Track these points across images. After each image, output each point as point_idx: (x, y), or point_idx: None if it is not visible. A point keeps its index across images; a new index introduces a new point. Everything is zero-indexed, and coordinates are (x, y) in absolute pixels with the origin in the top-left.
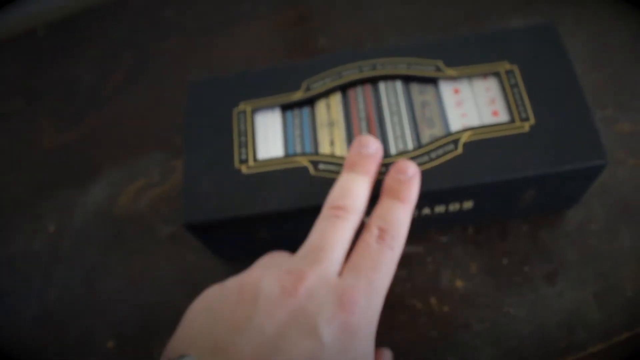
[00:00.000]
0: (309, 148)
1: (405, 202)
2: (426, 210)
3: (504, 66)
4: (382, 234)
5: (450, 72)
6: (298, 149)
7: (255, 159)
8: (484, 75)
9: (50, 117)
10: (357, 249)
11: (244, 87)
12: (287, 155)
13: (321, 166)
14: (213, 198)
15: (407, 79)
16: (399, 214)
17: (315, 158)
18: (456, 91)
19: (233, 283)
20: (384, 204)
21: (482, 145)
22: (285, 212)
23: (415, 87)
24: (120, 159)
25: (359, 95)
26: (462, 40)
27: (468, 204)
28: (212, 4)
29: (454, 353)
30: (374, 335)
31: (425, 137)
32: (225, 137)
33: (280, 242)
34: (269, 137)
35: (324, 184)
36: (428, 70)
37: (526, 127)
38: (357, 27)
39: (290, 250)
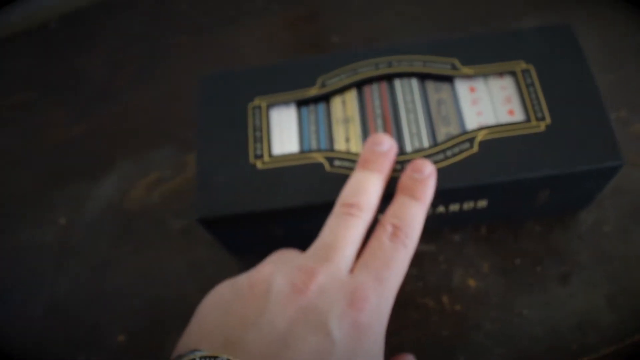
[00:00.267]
0: (324, 144)
1: (420, 201)
2: (440, 209)
3: (520, 65)
4: (396, 231)
5: (466, 70)
6: (313, 145)
7: (270, 155)
8: (500, 74)
9: (62, 110)
10: (369, 246)
11: (258, 82)
12: (302, 151)
13: (336, 162)
14: (227, 193)
15: (423, 77)
16: (414, 212)
17: (330, 154)
18: (472, 89)
19: (244, 279)
20: (398, 201)
21: (498, 144)
22: (300, 208)
23: (431, 85)
24: (132, 153)
25: (375, 92)
26: (478, 39)
27: (482, 203)
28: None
29: (465, 353)
30: (384, 334)
31: (441, 135)
32: (239, 132)
33: (293, 238)
34: (284, 132)
35: (339, 180)
36: (444, 68)
37: (542, 126)
38: (369, 25)
39: (303, 246)
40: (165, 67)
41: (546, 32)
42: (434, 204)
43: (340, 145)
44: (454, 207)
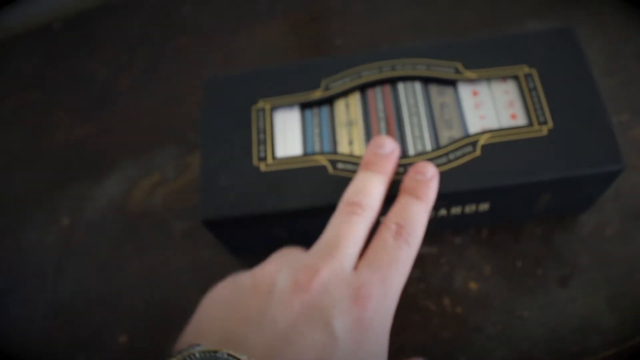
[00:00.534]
0: (327, 147)
1: (423, 201)
2: (442, 212)
3: (523, 69)
4: (400, 229)
5: (469, 74)
6: (317, 148)
7: (274, 157)
8: (503, 78)
9: (65, 111)
10: (373, 245)
11: (262, 84)
12: (305, 153)
13: (340, 165)
14: (231, 195)
15: (426, 80)
16: (417, 212)
17: (333, 157)
18: (475, 93)
19: (247, 278)
20: (401, 201)
21: (501, 148)
22: (303, 211)
23: (434, 89)
24: (135, 154)
25: (378, 95)
26: (481, 43)
27: (484, 206)
28: (229, 1)
29: (466, 355)
30: (388, 332)
31: (444, 138)
32: (243, 134)
33: (296, 240)
34: (287, 135)
35: (343, 183)
36: (447, 72)
37: (544, 130)
38: (373, 28)
39: (306, 248)
40: (168, 69)
41: (549, 36)
42: (436, 206)
43: (343, 148)
44: (456, 210)
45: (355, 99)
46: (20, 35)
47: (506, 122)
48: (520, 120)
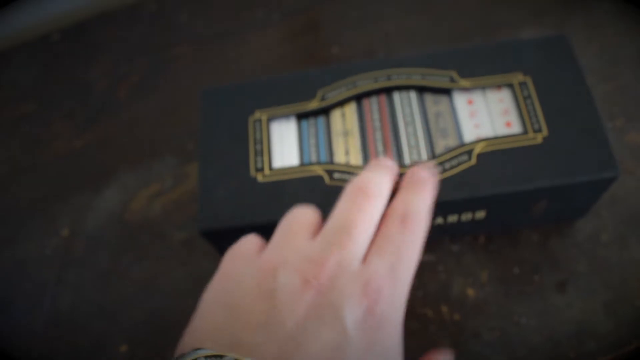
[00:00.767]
0: (324, 157)
1: (425, 194)
2: (439, 220)
3: (517, 77)
4: (406, 217)
5: (464, 82)
6: (313, 158)
7: (270, 168)
8: (498, 86)
9: (64, 122)
10: (380, 235)
11: (259, 95)
12: (302, 164)
13: (336, 175)
14: (228, 205)
15: (422, 90)
16: (421, 201)
17: (330, 167)
18: (470, 102)
19: (249, 274)
20: (403, 193)
21: (496, 156)
22: None
23: (429, 98)
24: (134, 164)
25: (374, 105)
26: (476, 51)
27: (480, 214)
28: (226, 10)
29: None
30: (401, 325)
31: (439, 147)
32: (241, 145)
33: None
34: (284, 145)
35: (339, 193)
36: (442, 81)
37: (539, 138)
38: (368, 36)
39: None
40: (166, 78)
41: (543, 44)
42: (433, 215)
43: (339, 158)
44: (453, 218)
45: (351, 109)
46: (18, 46)
47: (501, 130)
48: (515, 128)
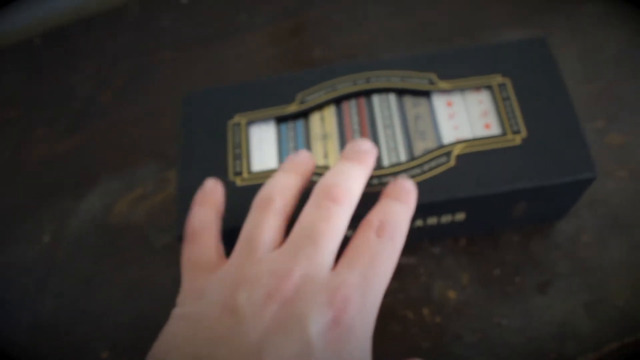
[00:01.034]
0: None
1: (405, 204)
2: (419, 222)
3: (497, 79)
4: (383, 225)
5: (443, 85)
6: None
7: (249, 171)
8: (477, 88)
9: (46, 126)
10: (353, 243)
11: (239, 99)
12: None
13: (314, 178)
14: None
15: (401, 92)
16: (400, 212)
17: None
18: (449, 104)
19: (213, 289)
20: (383, 202)
21: (475, 158)
22: None
23: (408, 100)
24: (117, 169)
25: (353, 108)
26: (455, 53)
27: (460, 216)
28: (209, 14)
29: None
30: (370, 337)
31: (418, 149)
32: (219, 149)
33: None
34: (263, 149)
35: None
36: (421, 83)
37: (517, 140)
38: (351, 38)
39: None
40: (150, 83)
41: (522, 45)
42: (413, 217)
43: (318, 161)
44: (432, 221)
45: (330, 112)
46: (0, 50)
47: (480, 132)
48: (494, 129)
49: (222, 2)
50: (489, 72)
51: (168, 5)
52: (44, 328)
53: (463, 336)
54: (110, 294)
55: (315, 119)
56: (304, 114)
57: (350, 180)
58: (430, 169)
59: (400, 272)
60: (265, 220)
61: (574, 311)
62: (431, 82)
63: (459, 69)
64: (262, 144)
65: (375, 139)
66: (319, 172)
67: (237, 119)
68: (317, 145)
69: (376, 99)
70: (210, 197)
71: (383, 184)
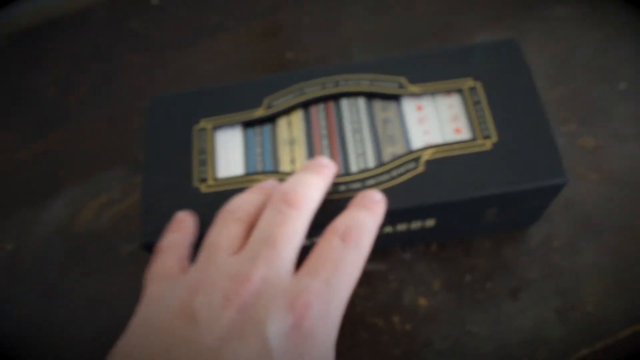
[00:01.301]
0: (269, 166)
1: (372, 212)
2: (388, 229)
3: (468, 83)
4: (348, 231)
5: (413, 88)
6: (259, 167)
7: (215, 178)
8: (448, 91)
9: (11, 132)
10: (316, 248)
11: (205, 103)
12: (247, 173)
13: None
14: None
15: (370, 96)
16: (367, 220)
17: (275, 176)
18: (419, 108)
19: (172, 295)
20: (350, 210)
21: (444, 163)
22: None
23: (378, 104)
24: (83, 175)
25: (321, 112)
26: (426, 56)
27: (430, 222)
28: (180, 16)
29: None
30: (332, 345)
31: (387, 155)
32: (185, 155)
33: None
34: (229, 155)
35: None
36: (391, 87)
37: (488, 144)
38: (324, 40)
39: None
40: (117, 87)
41: (494, 49)
42: (382, 224)
43: (285, 166)
44: (402, 227)
45: (297, 117)
46: None
47: (450, 136)
48: (465, 134)
49: (194, 3)
50: (460, 76)
51: (138, 7)
52: (8, 338)
53: (434, 343)
54: (74, 304)
55: (282, 123)
56: (271, 119)
57: (307, 187)
58: (399, 175)
59: (370, 279)
60: (225, 228)
61: (545, 317)
62: (401, 86)
63: (429, 72)
64: (228, 149)
65: (343, 144)
66: (286, 179)
67: (203, 124)
68: (284, 150)
69: (345, 103)
70: (181, 225)
71: (351, 191)
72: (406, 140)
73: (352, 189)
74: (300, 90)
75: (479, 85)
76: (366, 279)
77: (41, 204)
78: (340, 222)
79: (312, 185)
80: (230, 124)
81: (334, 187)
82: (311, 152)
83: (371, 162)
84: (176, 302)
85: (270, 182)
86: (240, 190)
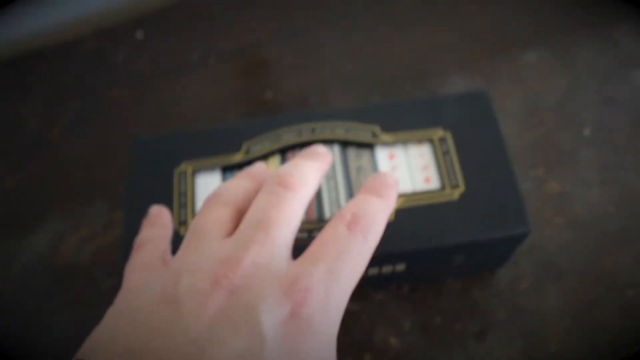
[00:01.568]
0: None
1: (385, 199)
2: None
3: (438, 133)
4: (356, 219)
5: (386, 137)
6: None
7: None
8: (419, 141)
9: None
10: (320, 235)
11: (186, 146)
12: None
13: None
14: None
15: (345, 144)
16: (378, 208)
17: None
18: (391, 157)
19: (154, 282)
20: (361, 196)
21: (414, 213)
22: None
23: (352, 152)
24: (64, 207)
25: None
26: (399, 106)
27: (401, 266)
28: (163, 52)
29: None
30: (334, 340)
31: None
32: (165, 197)
33: None
34: None
35: None
36: (364, 136)
37: (456, 194)
38: (303, 81)
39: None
40: (101, 119)
41: (464, 100)
42: None
43: None
44: (373, 271)
45: (275, 163)
46: None
47: (420, 185)
48: (434, 183)
49: (177, 38)
50: (431, 125)
51: (124, 40)
52: None
53: None
54: (54, 336)
55: None
56: (250, 164)
57: (304, 171)
58: None
59: (343, 318)
60: (213, 212)
61: (511, 358)
62: (374, 135)
63: (402, 121)
64: (208, 193)
65: (317, 191)
66: None
67: (183, 167)
68: None
69: None
70: (157, 219)
71: None
72: None
73: None
74: (277, 137)
75: (448, 136)
76: None
77: (22, 234)
78: (348, 208)
79: (309, 170)
80: (210, 168)
81: (308, 234)
82: None
83: None
84: (157, 288)
85: (259, 166)
86: None
